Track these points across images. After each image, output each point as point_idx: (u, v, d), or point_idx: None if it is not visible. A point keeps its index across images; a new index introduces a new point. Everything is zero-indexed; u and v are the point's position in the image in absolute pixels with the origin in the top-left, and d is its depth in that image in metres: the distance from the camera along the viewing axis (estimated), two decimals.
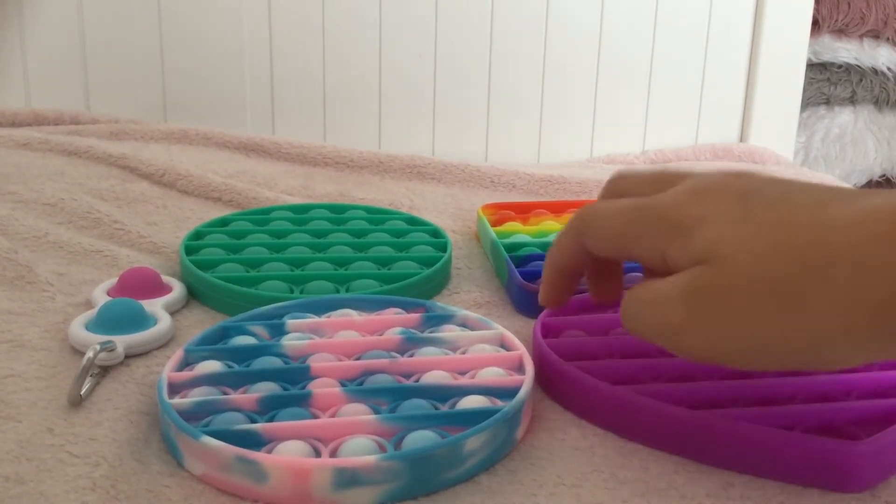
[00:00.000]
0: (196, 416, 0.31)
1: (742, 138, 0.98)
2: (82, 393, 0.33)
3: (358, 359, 0.35)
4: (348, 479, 0.27)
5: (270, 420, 0.30)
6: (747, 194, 0.27)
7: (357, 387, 0.33)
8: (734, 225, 0.26)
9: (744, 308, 0.25)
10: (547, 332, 0.39)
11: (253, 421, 0.30)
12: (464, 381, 0.34)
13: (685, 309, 0.26)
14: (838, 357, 0.25)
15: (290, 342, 0.36)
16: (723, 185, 0.27)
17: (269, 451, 0.28)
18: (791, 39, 0.97)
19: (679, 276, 0.26)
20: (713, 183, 0.28)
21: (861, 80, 1.21)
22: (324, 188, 0.67)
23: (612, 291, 0.35)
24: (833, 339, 0.24)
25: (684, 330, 0.26)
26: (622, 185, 0.33)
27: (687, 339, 0.26)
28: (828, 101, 1.21)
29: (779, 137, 0.98)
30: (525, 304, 0.44)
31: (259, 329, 0.38)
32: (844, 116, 1.23)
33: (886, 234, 0.23)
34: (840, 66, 1.19)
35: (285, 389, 0.33)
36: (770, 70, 0.96)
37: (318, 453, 0.29)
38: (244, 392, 0.33)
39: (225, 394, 0.33)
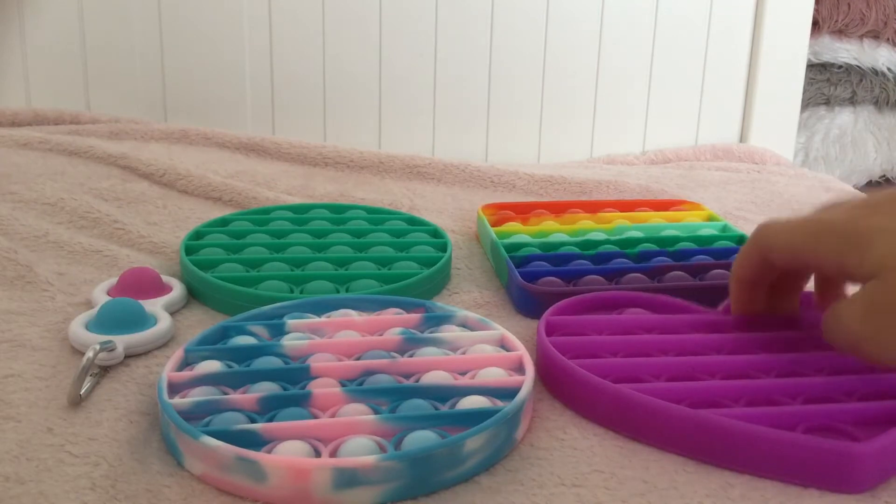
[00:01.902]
0: (196, 416, 0.31)
1: (742, 139, 0.98)
2: (82, 393, 0.33)
3: (358, 359, 0.35)
4: (348, 479, 0.27)
5: (270, 420, 0.30)
6: None
7: (357, 387, 0.33)
8: None
9: None
10: (551, 330, 0.39)
11: (253, 421, 0.30)
12: (464, 381, 0.34)
13: (864, 324, 0.29)
14: None
15: (290, 342, 0.36)
16: (892, 198, 0.30)
17: (269, 451, 0.28)
18: (791, 40, 0.97)
19: (858, 294, 0.29)
20: (884, 195, 0.31)
21: (861, 81, 1.21)
22: (324, 188, 0.67)
23: (786, 305, 0.38)
24: None
25: (866, 341, 0.29)
26: (769, 236, 0.35)
27: (869, 348, 0.29)
28: (828, 102, 1.21)
29: (779, 138, 0.98)
30: (525, 304, 0.44)
31: (259, 329, 0.38)
32: (844, 117, 1.23)
33: None
34: (840, 67, 1.20)
35: (285, 389, 0.33)
36: (770, 70, 0.96)
37: (318, 453, 0.29)
38: (244, 392, 0.33)
39: (225, 394, 0.33)
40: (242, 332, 0.38)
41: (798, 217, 0.33)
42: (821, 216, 0.32)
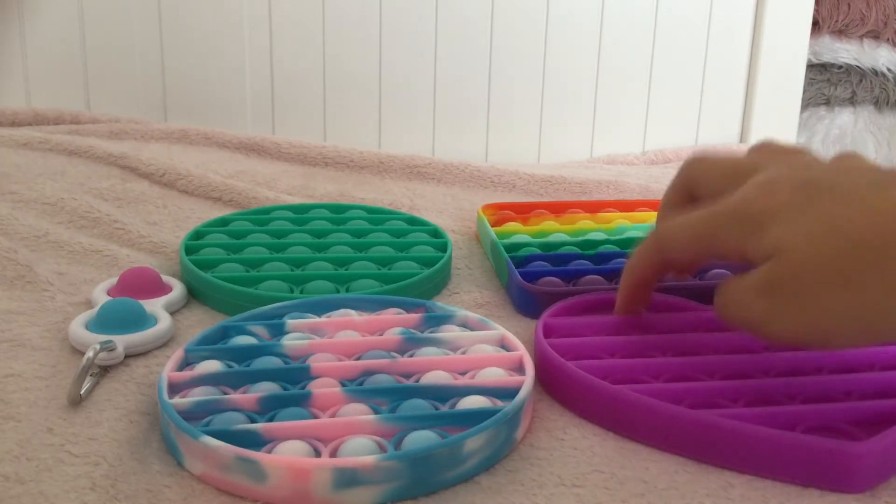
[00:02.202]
0: (196, 415, 0.31)
1: (742, 139, 0.98)
2: (82, 392, 0.33)
3: (358, 359, 0.35)
4: (348, 478, 0.27)
5: (270, 420, 0.30)
6: (808, 183, 0.29)
7: (357, 387, 0.33)
8: (797, 217, 0.28)
9: (811, 295, 0.28)
10: (549, 332, 0.39)
11: (253, 421, 0.30)
12: (464, 381, 0.34)
13: (763, 303, 0.29)
14: None
15: (290, 342, 0.36)
16: (786, 178, 0.30)
17: (269, 451, 0.28)
18: (791, 40, 0.97)
19: (755, 273, 0.29)
20: (777, 176, 0.30)
21: (861, 81, 1.21)
22: (324, 188, 0.67)
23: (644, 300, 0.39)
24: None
25: (766, 321, 0.29)
26: (697, 172, 0.36)
27: (770, 328, 0.29)
28: (828, 102, 1.21)
29: (779, 138, 0.98)
30: (525, 304, 0.44)
31: (259, 329, 0.38)
32: (844, 117, 1.23)
33: None
34: (840, 67, 1.20)
35: (285, 389, 0.33)
36: (770, 71, 0.96)
37: (318, 453, 0.29)
38: (244, 392, 0.33)
39: (225, 393, 0.33)
40: (242, 331, 0.38)
41: (690, 215, 0.33)
42: (714, 209, 0.32)
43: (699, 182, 0.35)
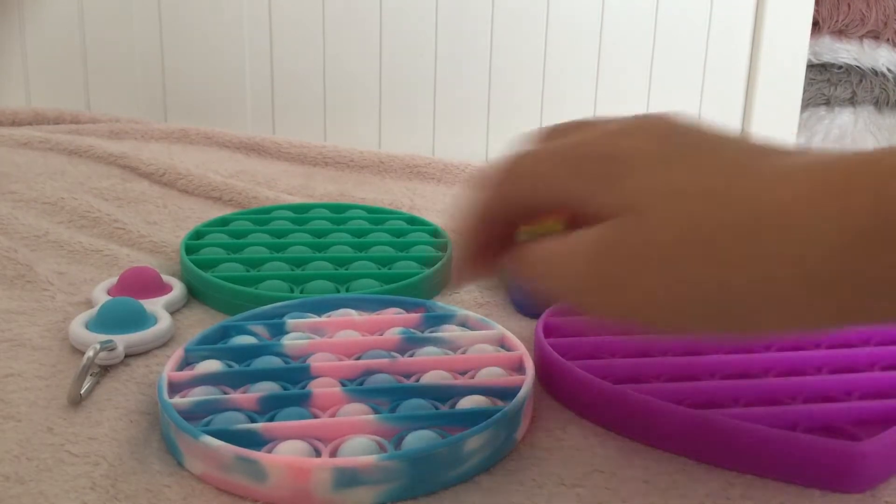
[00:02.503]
0: (196, 415, 0.31)
1: None
2: (82, 392, 0.33)
3: (358, 358, 0.35)
4: (348, 478, 0.27)
5: (270, 420, 0.30)
6: (674, 133, 0.24)
7: (357, 387, 0.33)
8: (659, 169, 0.23)
9: (662, 265, 0.22)
10: (549, 331, 0.39)
11: (253, 420, 0.30)
12: (464, 381, 0.34)
13: (592, 268, 0.23)
14: (765, 324, 0.22)
15: (290, 342, 0.36)
16: (651, 123, 0.25)
17: (269, 451, 0.28)
18: (791, 40, 0.97)
19: (590, 231, 0.24)
20: (642, 120, 0.25)
21: (861, 81, 1.21)
22: (324, 188, 0.67)
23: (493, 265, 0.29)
24: (760, 305, 0.22)
25: (590, 290, 0.24)
26: (554, 136, 0.29)
27: (592, 299, 0.24)
28: (828, 102, 1.21)
29: (779, 138, 0.98)
30: (525, 304, 0.44)
31: (259, 329, 0.38)
32: (844, 117, 1.23)
33: (820, 193, 0.21)
34: (840, 67, 1.20)
35: (285, 389, 0.33)
36: (770, 71, 0.96)
37: (318, 453, 0.29)
38: (244, 391, 0.33)
39: (225, 393, 0.33)
40: (243, 331, 0.38)
41: (547, 143, 0.26)
42: (574, 140, 0.25)
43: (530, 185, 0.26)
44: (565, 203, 0.25)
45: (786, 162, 0.22)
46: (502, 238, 0.28)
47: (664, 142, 0.24)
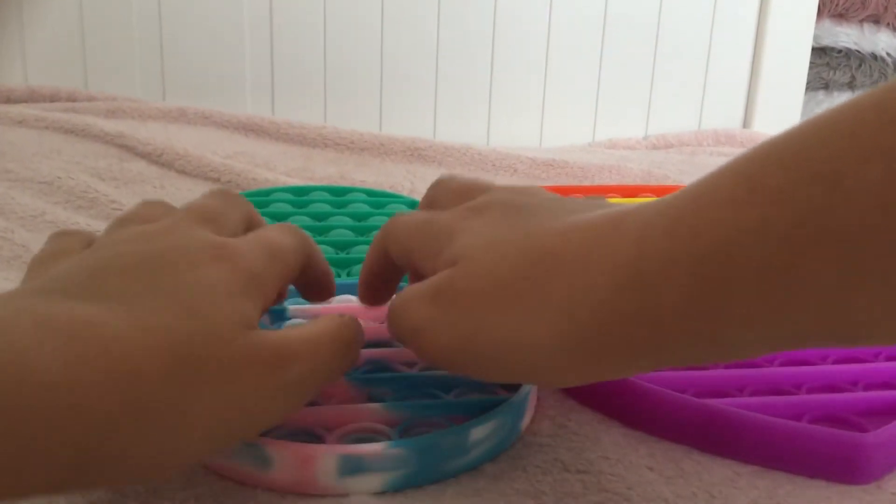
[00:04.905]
0: None
1: (745, 124, 0.98)
2: None
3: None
4: (354, 465, 0.27)
5: None
6: (513, 208, 0.27)
7: (361, 374, 0.32)
8: (485, 230, 0.26)
9: (476, 308, 0.24)
10: None
11: None
12: None
13: (429, 309, 0.25)
14: (555, 367, 0.23)
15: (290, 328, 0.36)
16: (498, 201, 0.27)
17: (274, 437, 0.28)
18: (797, 24, 0.97)
19: (427, 281, 0.26)
20: (492, 199, 0.28)
21: (860, 66, 1.21)
22: (324, 170, 0.67)
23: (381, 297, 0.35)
24: (548, 348, 0.22)
25: (427, 331, 0.25)
26: (436, 192, 0.33)
27: (428, 340, 0.25)
28: (826, 86, 1.21)
29: (782, 123, 0.97)
30: None
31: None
32: (843, 101, 1.22)
33: (591, 242, 0.22)
34: (839, 51, 1.19)
35: None
36: (775, 55, 0.96)
37: (322, 440, 0.28)
38: None
39: None
40: None
41: (414, 214, 0.30)
42: (432, 216, 0.29)
43: (391, 241, 0.31)
44: (416, 262, 0.29)
45: (585, 214, 0.24)
46: (393, 280, 0.33)
47: (495, 217, 0.27)
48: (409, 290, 0.27)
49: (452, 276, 0.25)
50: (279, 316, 0.38)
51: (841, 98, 1.21)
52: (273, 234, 0.28)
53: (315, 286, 0.32)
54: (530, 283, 0.23)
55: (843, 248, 0.17)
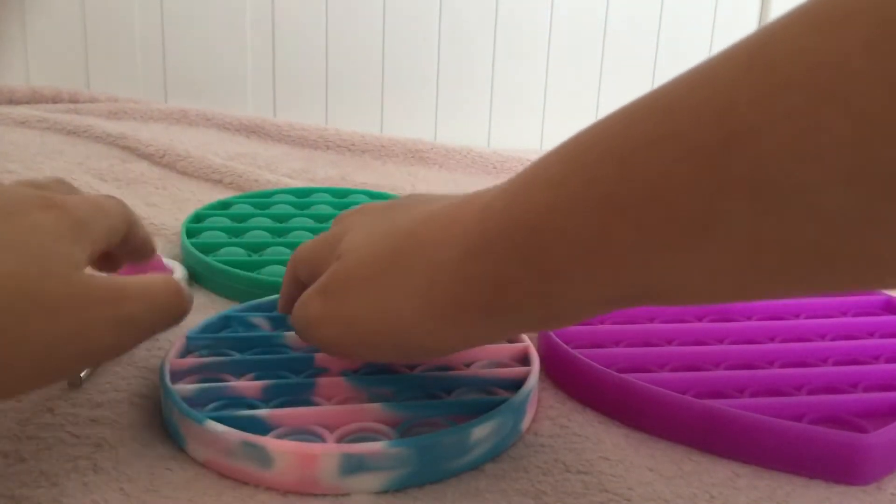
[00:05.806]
0: (199, 402, 0.30)
1: None
2: (82, 375, 0.33)
3: None
4: (355, 465, 0.27)
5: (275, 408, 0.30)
6: (390, 206, 0.30)
7: (362, 376, 0.32)
8: (364, 229, 0.29)
9: (355, 294, 0.27)
10: None
11: (257, 408, 0.30)
12: (469, 371, 0.33)
13: (319, 303, 0.28)
14: (423, 333, 0.26)
15: (292, 333, 0.36)
16: (384, 204, 0.31)
17: (275, 437, 0.28)
18: None
19: (321, 277, 0.29)
20: (380, 203, 0.31)
21: None
22: (325, 171, 0.67)
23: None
24: (415, 316, 0.25)
25: (320, 322, 0.28)
26: (297, 261, 0.35)
27: (322, 330, 0.28)
28: None
29: None
30: None
31: (260, 320, 0.38)
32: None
33: (448, 222, 0.26)
34: None
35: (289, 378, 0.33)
36: None
37: (324, 440, 0.28)
38: (248, 381, 0.32)
39: (228, 382, 0.32)
40: (244, 322, 0.37)
41: (319, 236, 0.33)
42: (326, 234, 0.32)
43: (298, 259, 0.34)
44: (320, 274, 0.30)
45: (439, 204, 0.27)
46: None
47: (375, 216, 0.30)
48: (306, 291, 0.29)
49: (336, 270, 0.28)
50: (280, 323, 0.37)
51: None
52: (99, 196, 0.30)
53: (140, 248, 0.33)
54: (397, 263, 0.26)
55: (634, 216, 0.20)
